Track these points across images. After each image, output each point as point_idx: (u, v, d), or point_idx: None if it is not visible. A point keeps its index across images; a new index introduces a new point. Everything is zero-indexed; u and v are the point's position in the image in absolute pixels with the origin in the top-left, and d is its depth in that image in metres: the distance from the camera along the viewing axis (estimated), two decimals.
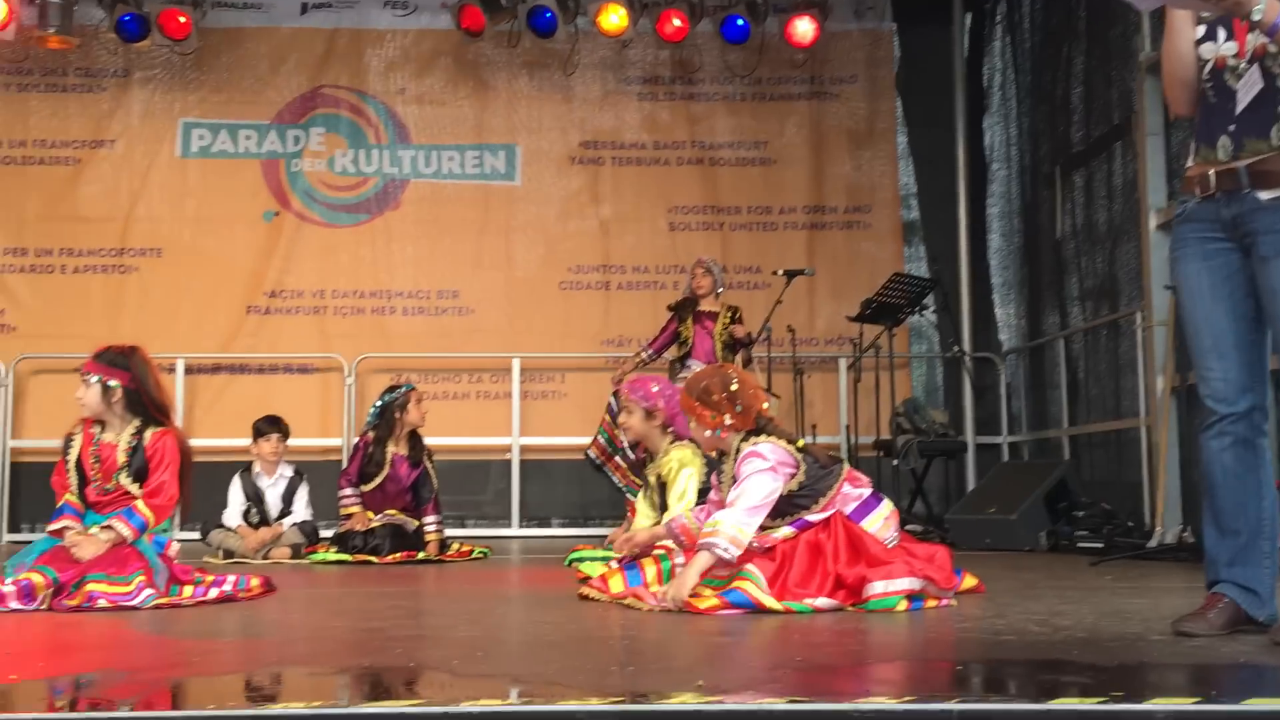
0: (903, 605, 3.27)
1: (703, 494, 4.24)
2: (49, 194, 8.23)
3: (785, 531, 3.42)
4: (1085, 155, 7.36)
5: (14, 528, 7.70)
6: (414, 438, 6.18)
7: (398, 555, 5.76)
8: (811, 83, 8.60)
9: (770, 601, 3.22)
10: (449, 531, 6.72)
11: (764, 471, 3.41)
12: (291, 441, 6.45)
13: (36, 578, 3.59)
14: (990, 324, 8.62)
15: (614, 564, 4.22)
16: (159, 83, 8.35)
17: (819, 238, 8.49)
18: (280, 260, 8.28)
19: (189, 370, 7.94)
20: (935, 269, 7.87)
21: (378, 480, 6.07)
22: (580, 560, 4.98)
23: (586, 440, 7.38)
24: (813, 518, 3.44)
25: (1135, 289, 6.54)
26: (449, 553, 5.98)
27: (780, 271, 7.08)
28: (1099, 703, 1.91)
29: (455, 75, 8.54)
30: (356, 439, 6.56)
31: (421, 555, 5.82)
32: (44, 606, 3.55)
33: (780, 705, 1.92)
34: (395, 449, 6.12)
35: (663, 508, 4.41)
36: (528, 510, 8.10)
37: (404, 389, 6.20)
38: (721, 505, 3.54)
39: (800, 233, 8.49)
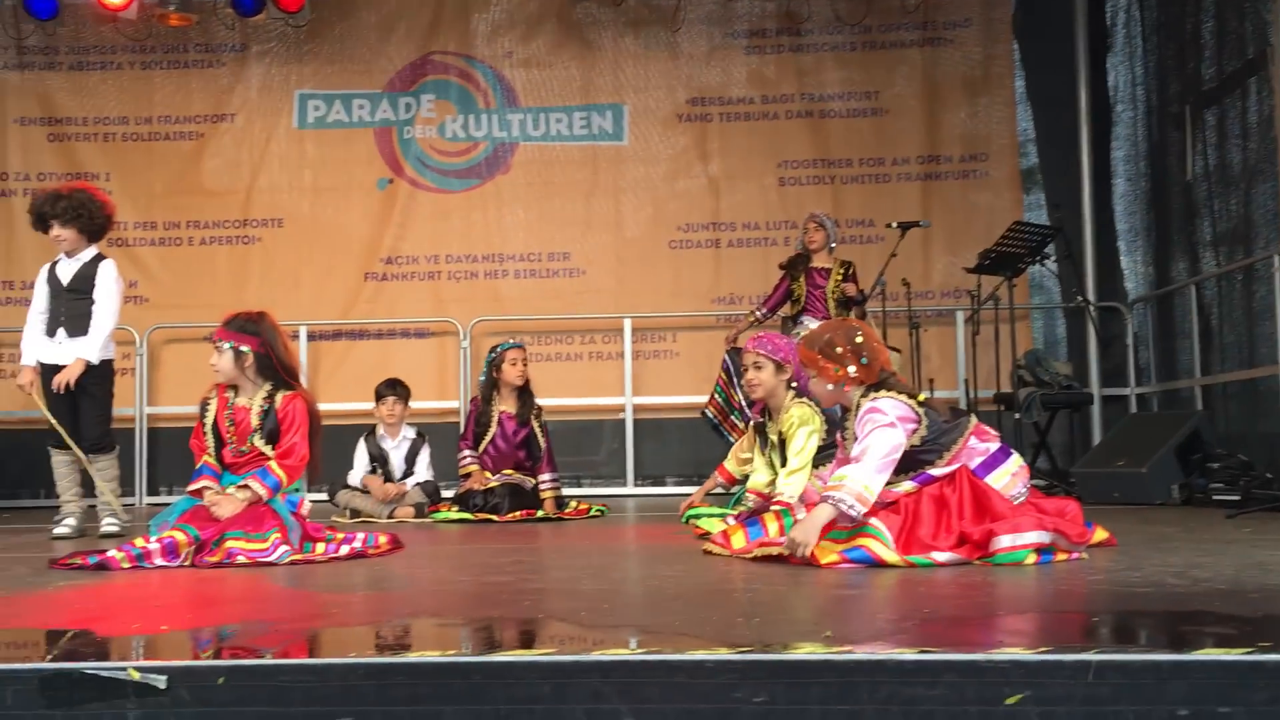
0: (1031, 559, 3.19)
1: (823, 450, 4.21)
2: (174, 169, 8.51)
3: (908, 486, 3.37)
4: (1217, 93, 7.02)
5: (153, 490, 8.05)
6: (523, 396, 6.25)
7: (517, 514, 5.86)
8: (924, 29, 8.38)
9: (893, 557, 3.18)
10: (566, 491, 6.83)
11: (885, 427, 3.36)
12: (410, 404, 6.60)
13: (179, 535, 3.75)
14: (1115, 272, 8.34)
15: (731, 519, 4.24)
16: (275, 56, 8.55)
17: (934, 188, 8.30)
18: (395, 227, 8.44)
19: (311, 337, 8.16)
20: (1056, 216, 7.63)
21: (487, 439, 6.18)
22: (697, 517, 5.00)
23: (699, 399, 7.39)
24: (937, 472, 3.38)
25: (1273, 231, 6.25)
26: (567, 510, 6.06)
27: (894, 224, 6.95)
28: (1245, 653, 1.84)
29: (561, 36, 8.55)
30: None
31: (540, 513, 5.91)
32: (187, 563, 3.71)
33: (910, 655, 1.90)
34: (502, 407, 6.22)
35: (782, 464, 4.39)
36: (642, 469, 8.16)
37: (500, 347, 6.29)
38: (846, 463, 3.50)
39: (914, 184, 8.31)
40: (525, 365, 6.27)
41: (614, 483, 8.14)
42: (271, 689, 1.94)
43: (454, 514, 5.93)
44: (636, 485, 8.05)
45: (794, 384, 4.40)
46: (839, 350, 3.48)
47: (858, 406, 3.47)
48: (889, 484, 3.37)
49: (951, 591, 2.74)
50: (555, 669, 1.93)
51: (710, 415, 6.70)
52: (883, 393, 3.45)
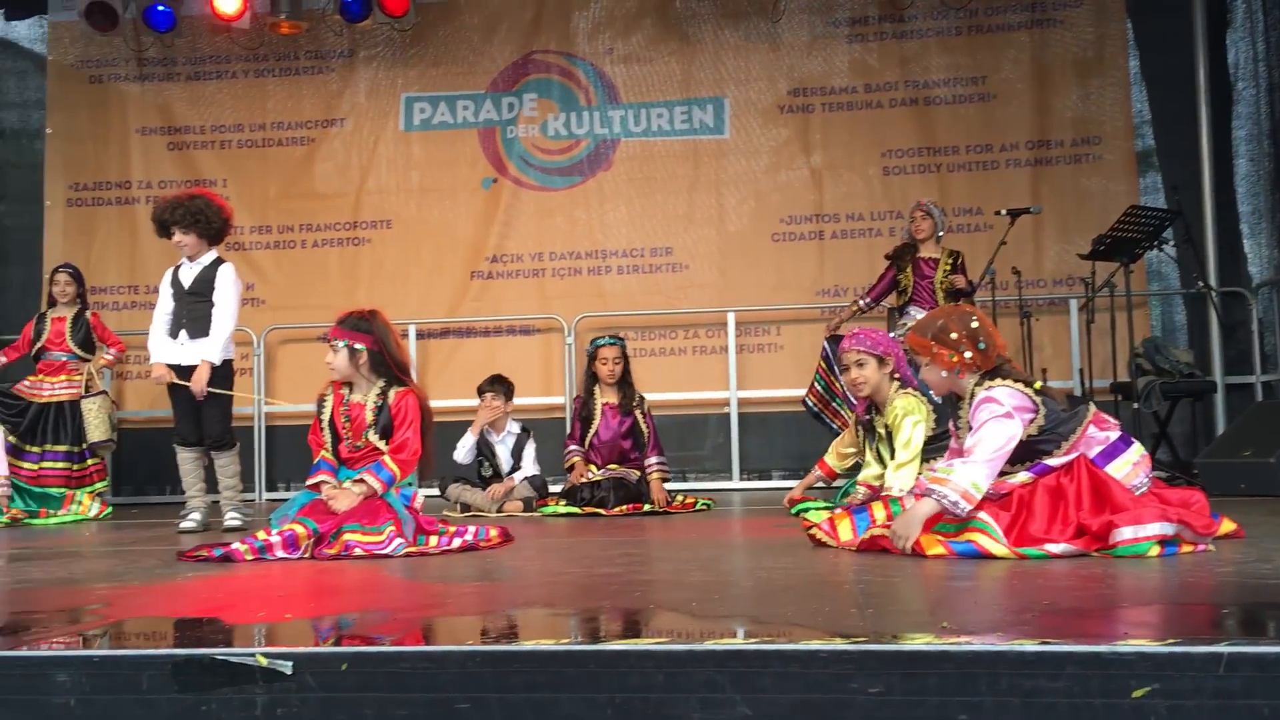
0: (1155, 550, 3.10)
1: (934, 440, 4.14)
2: (287, 173, 8.74)
3: (1023, 477, 3.29)
4: None
5: (271, 486, 8.29)
6: (625, 388, 6.29)
7: (624, 507, 5.89)
8: (1032, 10, 8.16)
9: (1001, 550, 3.11)
10: (671, 486, 6.83)
11: (1000, 418, 3.28)
12: (516, 400, 6.68)
13: (299, 529, 3.87)
14: (1238, 256, 8.02)
15: (838, 509, 4.20)
16: (381, 60, 8.73)
17: (1044, 174, 8.09)
18: (500, 226, 8.53)
19: (420, 335, 8.32)
20: (1175, 200, 7.35)
21: (591, 431, 6.24)
22: (805, 510, 4.96)
23: (804, 392, 7.34)
24: (1054, 462, 3.30)
25: None
26: (673, 504, 6.07)
27: (1004, 211, 6.79)
28: None
29: (661, 31, 8.55)
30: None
31: (647, 507, 5.93)
32: (306, 555, 3.82)
33: (1031, 646, 1.86)
34: (604, 399, 6.28)
35: (891, 457, 4.33)
36: (747, 463, 8.12)
37: (595, 344, 6.35)
38: (960, 453, 3.44)
39: (1024, 170, 8.11)
40: (619, 363, 6.29)
41: (719, 477, 8.13)
42: (392, 675, 1.99)
43: (562, 508, 5.99)
44: (741, 479, 8.02)
45: (897, 375, 4.35)
46: (954, 336, 3.41)
47: (972, 395, 3.41)
48: (1003, 474, 3.30)
49: (1070, 583, 2.67)
50: (669, 658, 1.94)
51: (811, 404, 6.66)
52: (998, 381, 3.37)
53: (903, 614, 2.33)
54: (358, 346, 4.14)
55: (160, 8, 8.18)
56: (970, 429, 3.35)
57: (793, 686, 1.90)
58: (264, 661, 1.99)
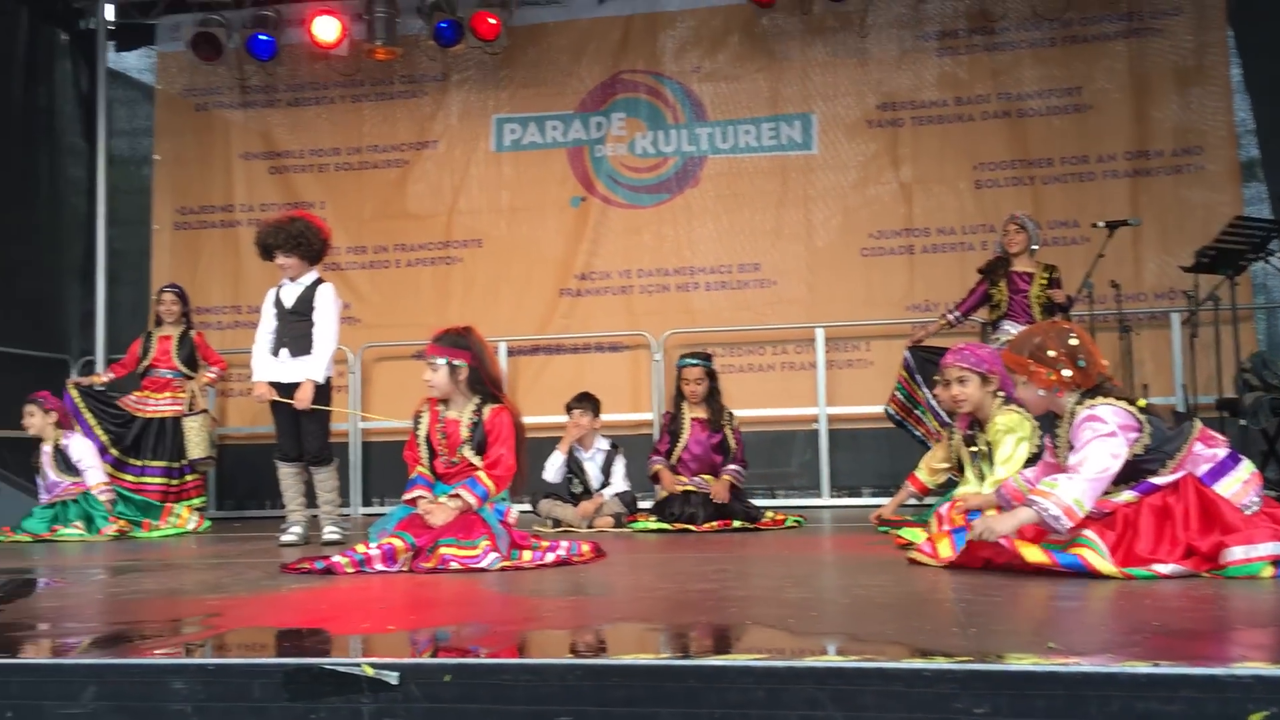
0: (1268, 571, 3.00)
1: (1032, 460, 4.07)
2: (382, 195, 8.94)
3: (1127, 496, 3.21)
4: None
5: (367, 501, 8.45)
6: (713, 405, 6.29)
7: (713, 523, 5.88)
8: (1129, 19, 8.00)
9: (1108, 568, 3.04)
10: (760, 501, 6.81)
11: (1105, 437, 3.21)
12: (604, 416, 6.72)
13: (397, 542, 3.94)
14: None
15: (936, 526, 4.15)
16: (473, 83, 8.89)
17: (1143, 185, 7.91)
18: (588, 244, 8.62)
19: (510, 352, 8.42)
20: None
21: (680, 445, 6.25)
22: (896, 526, 4.92)
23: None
24: (1160, 481, 3.21)
25: None
26: (763, 521, 6.04)
27: (1102, 223, 6.66)
28: None
29: (748, 49, 8.57)
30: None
31: (738, 523, 5.91)
32: (404, 568, 3.89)
33: (1144, 668, 1.82)
34: (692, 414, 6.29)
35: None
36: (837, 480, 8.05)
37: (680, 364, 6.39)
38: (1056, 470, 3.38)
39: (1122, 181, 7.94)
40: (701, 383, 6.29)
41: (808, 493, 8.07)
42: (494, 687, 2.01)
43: (652, 523, 6.00)
44: (831, 496, 7.95)
45: (1000, 393, 4.28)
46: (1052, 354, 3.35)
47: (1072, 414, 3.34)
48: (1107, 493, 3.22)
49: (1181, 604, 2.60)
50: (769, 674, 1.93)
51: (893, 412, 6.61)
52: (1100, 399, 3.30)
53: (1007, 633, 2.29)
54: (457, 363, 4.21)
55: (262, 37, 8.45)
56: (1071, 448, 3.28)
57: (895, 705, 1.88)
58: (371, 671, 2.04)
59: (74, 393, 7.15)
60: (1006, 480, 3.75)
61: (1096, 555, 3.08)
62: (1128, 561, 3.07)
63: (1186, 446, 3.25)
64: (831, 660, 1.93)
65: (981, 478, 4.40)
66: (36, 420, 6.63)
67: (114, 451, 7.02)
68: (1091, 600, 2.72)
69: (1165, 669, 1.81)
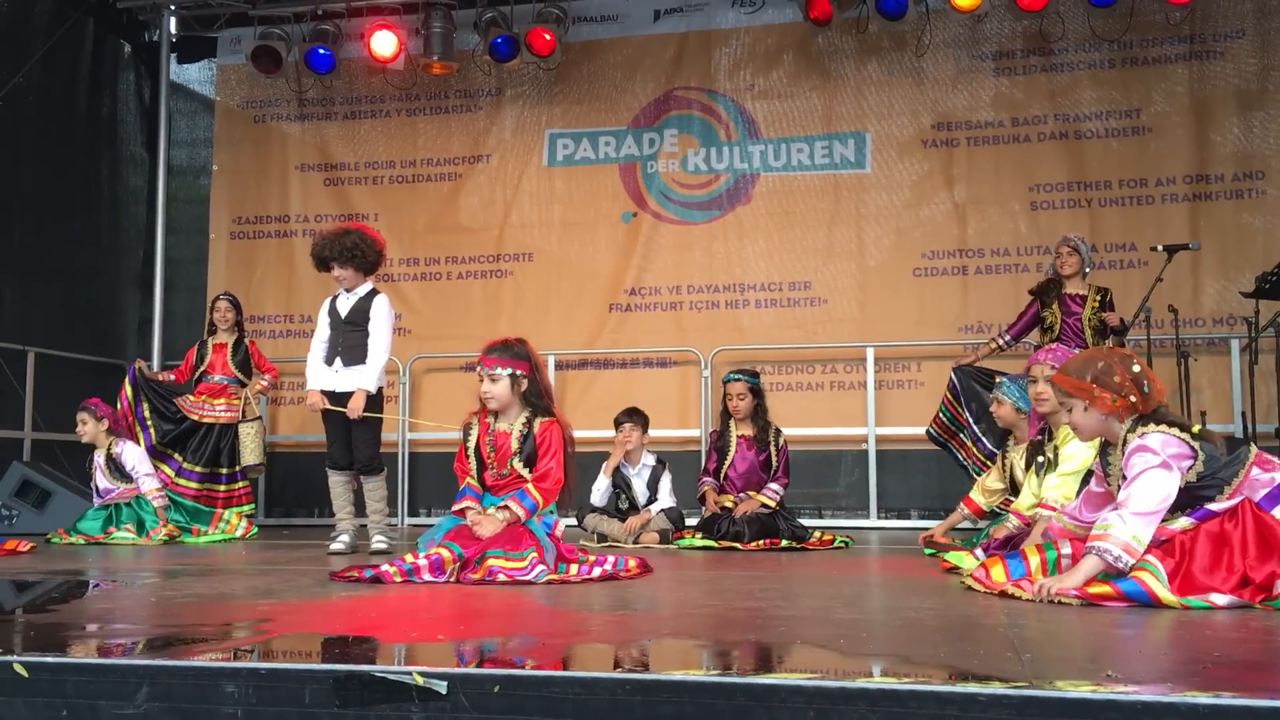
0: None
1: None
2: (434, 208, 9.02)
3: (1184, 523, 3.15)
4: None
5: (413, 511, 8.50)
6: (760, 422, 6.26)
7: (760, 542, 5.85)
8: (1191, 42, 7.90)
9: (1167, 595, 2.99)
10: (808, 521, 6.76)
11: (1156, 468, 3.14)
12: (652, 432, 6.72)
13: (445, 553, 3.95)
14: None
15: (980, 552, 4.11)
16: (527, 98, 8.95)
17: (1203, 209, 7.78)
18: (639, 259, 8.63)
19: (559, 366, 8.44)
20: None
21: (727, 463, 6.24)
22: (943, 550, 4.88)
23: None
24: (1216, 507, 3.15)
25: None
26: (810, 540, 6.00)
27: (1160, 247, 6.55)
28: None
29: (802, 67, 8.56)
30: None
31: (784, 543, 5.88)
32: (452, 579, 3.90)
33: (1205, 699, 1.77)
34: (739, 432, 6.27)
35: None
36: (885, 501, 7.99)
37: (725, 380, 6.38)
38: (1105, 499, 3.32)
39: (1181, 205, 7.82)
40: (744, 399, 6.26)
41: (856, 514, 8.01)
42: (543, 699, 2.01)
43: (698, 540, 5.98)
44: (879, 518, 7.88)
45: None
46: (1118, 379, 3.28)
47: (1124, 441, 3.28)
48: (1164, 520, 3.16)
49: (1240, 635, 2.54)
50: (821, 694, 1.91)
51: (934, 433, 6.56)
52: (1152, 426, 3.24)
53: (1062, 660, 2.25)
54: (518, 374, 4.22)
55: (321, 51, 8.57)
56: (1124, 478, 3.23)
57: None
58: (420, 680, 2.04)
59: (139, 374, 7.30)
60: (1050, 520, 3.68)
61: (1157, 581, 3.03)
62: (1185, 590, 3.01)
63: (1243, 472, 3.18)
64: (885, 682, 1.90)
65: (1041, 488, 4.37)
66: (89, 428, 6.74)
67: (156, 441, 7.15)
68: (1149, 630, 2.66)
69: (1227, 700, 1.77)
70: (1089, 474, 3.81)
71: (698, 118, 8.69)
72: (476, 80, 8.98)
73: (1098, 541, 3.12)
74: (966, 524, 5.44)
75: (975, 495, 5.22)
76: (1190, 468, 3.19)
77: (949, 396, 6.54)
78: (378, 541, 5.44)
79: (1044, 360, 4.38)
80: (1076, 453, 4.13)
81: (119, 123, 9.25)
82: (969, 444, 6.41)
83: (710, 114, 8.68)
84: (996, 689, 1.86)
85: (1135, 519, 3.10)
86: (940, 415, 6.55)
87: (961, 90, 8.31)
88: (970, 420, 6.39)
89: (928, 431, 6.61)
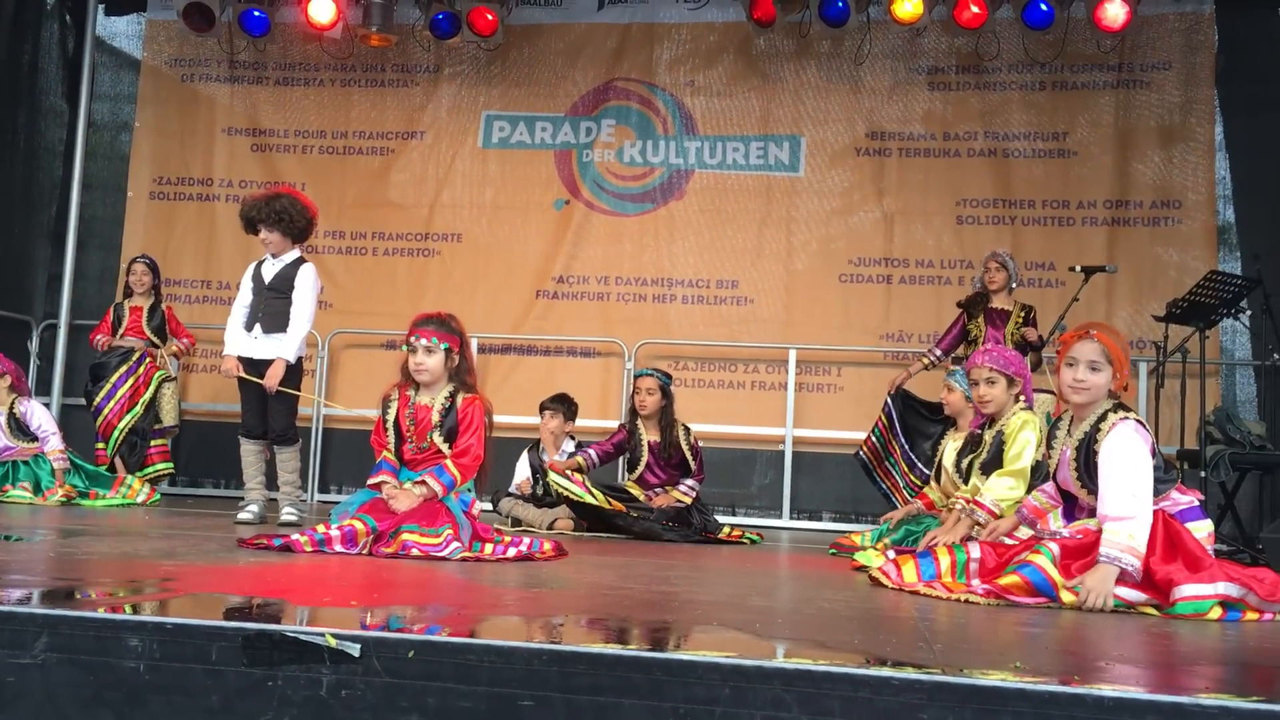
0: (1216, 613, 3.04)
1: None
2: (364, 182, 8.87)
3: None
4: None
5: (324, 488, 8.35)
6: (664, 423, 6.25)
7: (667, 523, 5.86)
8: (1119, 70, 8.10)
9: (1056, 575, 3.08)
10: (721, 518, 6.78)
11: (1142, 460, 3.18)
12: (575, 421, 6.69)
13: (359, 525, 3.90)
14: None
15: (892, 552, 4.16)
16: (465, 78, 8.85)
17: (1121, 234, 7.99)
18: (569, 247, 8.59)
19: (481, 349, 8.34)
20: (1256, 269, 7.23)
21: (640, 467, 6.25)
22: (852, 552, 4.96)
23: (861, 435, 7.26)
24: None
25: None
26: (721, 534, 6.02)
27: (1078, 268, 6.71)
28: None
29: (742, 67, 8.59)
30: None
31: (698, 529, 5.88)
32: (364, 551, 3.85)
33: (1110, 692, 1.82)
34: (648, 437, 6.27)
35: (994, 466, 4.33)
36: (798, 502, 8.05)
37: (636, 374, 6.38)
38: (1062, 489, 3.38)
39: (1100, 229, 8.02)
40: (652, 394, 6.25)
41: (769, 514, 8.07)
42: (458, 666, 1.99)
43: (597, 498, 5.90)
44: (791, 518, 7.95)
45: (1021, 397, 4.35)
46: (1127, 355, 3.36)
47: (1102, 419, 3.30)
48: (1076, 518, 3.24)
49: (1141, 638, 2.62)
50: (737, 672, 1.92)
51: (864, 457, 6.62)
52: (1132, 414, 3.29)
53: (973, 651, 2.29)
54: (451, 348, 4.18)
55: (256, 13, 8.37)
56: (1099, 460, 3.25)
57: (861, 713, 1.88)
58: (333, 642, 2.01)
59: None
60: (1027, 500, 3.70)
61: (1048, 561, 3.10)
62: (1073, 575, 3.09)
63: (1172, 486, 3.27)
64: (800, 663, 1.92)
65: (966, 478, 4.46)
66: None
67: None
68: (1052, 628, 2.72)
69: (1133, 694, 1.82)
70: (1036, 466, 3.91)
71: (636, 110, 8.68)
72: (415, 55, 8.86)
73: (1110, 550, 3.08)
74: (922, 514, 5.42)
75: (931, 491, 5.32)
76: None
77: (883, 421, 6.62)
78: (287, 513, 5.33)
79: (984, 363, 4.45)
80: (1021, 455, 4.21)
81: (39, 72, 8.93)
82: (894, 473, 6.50)
83: (649, 107, 8.68)
84: (910, 674, 1.88)
85: (1143, 524, 3.10)
86: (872, 438, 6.61)
87: (896, 102, 8.42)
88: (904, 448, 6.48)
89: (858, 454, 6.66)
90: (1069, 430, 3.41)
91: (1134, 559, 3.08)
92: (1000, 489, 4.16)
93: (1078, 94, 8.20)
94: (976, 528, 4.02)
